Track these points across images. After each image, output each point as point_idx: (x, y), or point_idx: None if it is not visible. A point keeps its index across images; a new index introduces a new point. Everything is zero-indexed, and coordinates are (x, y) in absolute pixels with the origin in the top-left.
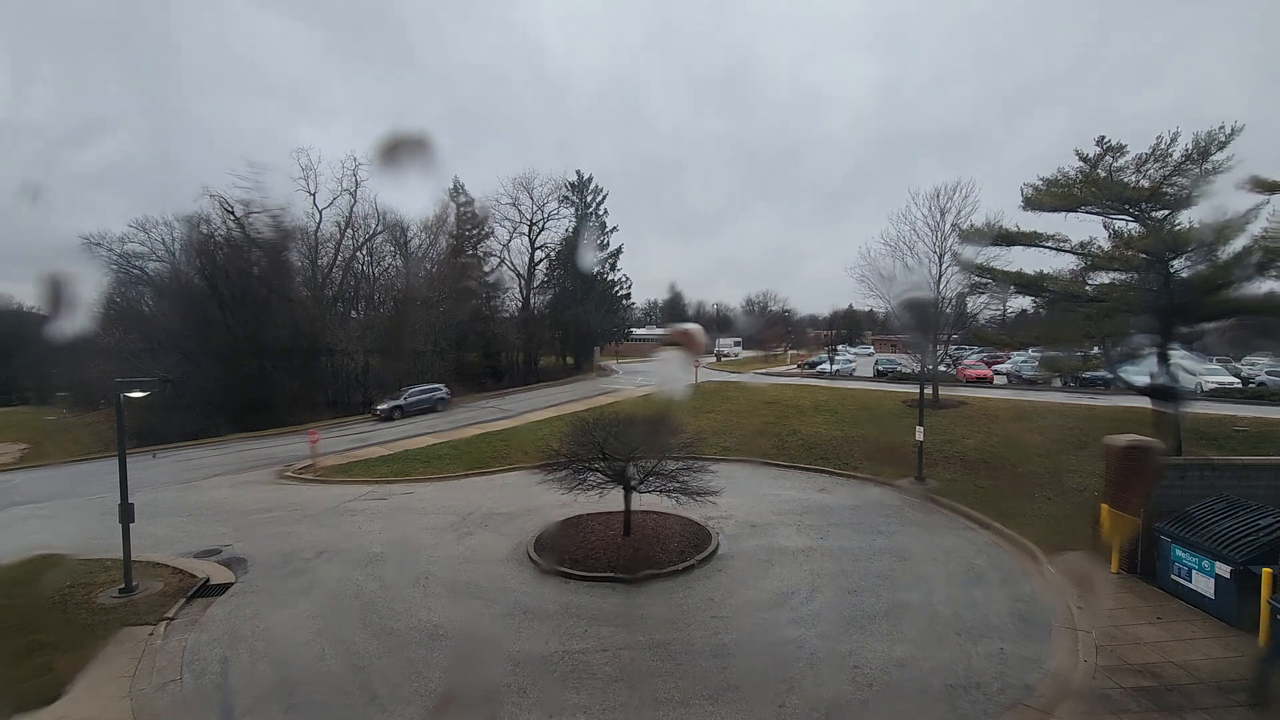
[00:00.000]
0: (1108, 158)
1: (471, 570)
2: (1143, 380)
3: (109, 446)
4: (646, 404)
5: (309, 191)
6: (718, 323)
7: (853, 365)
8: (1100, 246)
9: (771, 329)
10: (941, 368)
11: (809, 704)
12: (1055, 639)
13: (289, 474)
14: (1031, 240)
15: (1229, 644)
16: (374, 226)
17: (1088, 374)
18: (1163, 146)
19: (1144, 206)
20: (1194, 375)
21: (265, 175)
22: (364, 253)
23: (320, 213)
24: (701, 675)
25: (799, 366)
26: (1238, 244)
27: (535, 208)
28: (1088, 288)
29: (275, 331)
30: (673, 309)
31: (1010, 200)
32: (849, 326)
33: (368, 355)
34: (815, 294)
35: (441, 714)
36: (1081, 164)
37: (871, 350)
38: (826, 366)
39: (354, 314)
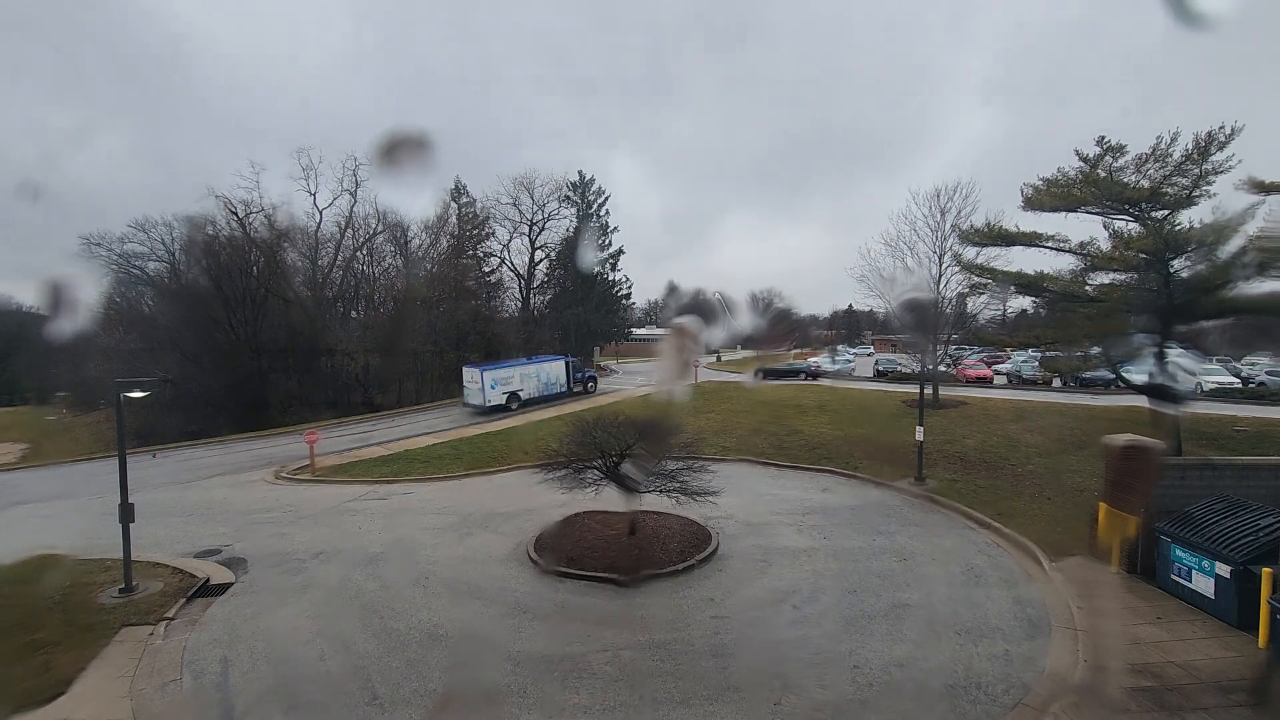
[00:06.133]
0: (1107, 158)
1: (471, 570)
2: (1142, 380)
3: (109, 446)
4: (646, 404)
5: (309, 191)
6: (725, 306)
7: (852, 365)
8: (1100, 247)
9: (777, 327)
10: (941, 368)
11: (811, 704)
12: (1055, 639)
13: (285, 475)
14: (1031, 240)
15: (1229, 644)
16: (374, 226)
17: (1088, 374)
18: (1163, 146)
19: (1144, 206)
20: (1194, 375)
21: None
22: (364, 253)
23: (320, 213)
24: (701, 675)
25: None
26: (1236, 244)
27: (536, 208)
28: (1088, 288)
29: (275, 331)
30: (675, 301)
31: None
32: (849, 326)
33: (368, 355)
34: (816, 294)
35: (441, 714)
36: (1081, 164)
37: (871, 350)
38: (829, 365)
39: (354, 314)
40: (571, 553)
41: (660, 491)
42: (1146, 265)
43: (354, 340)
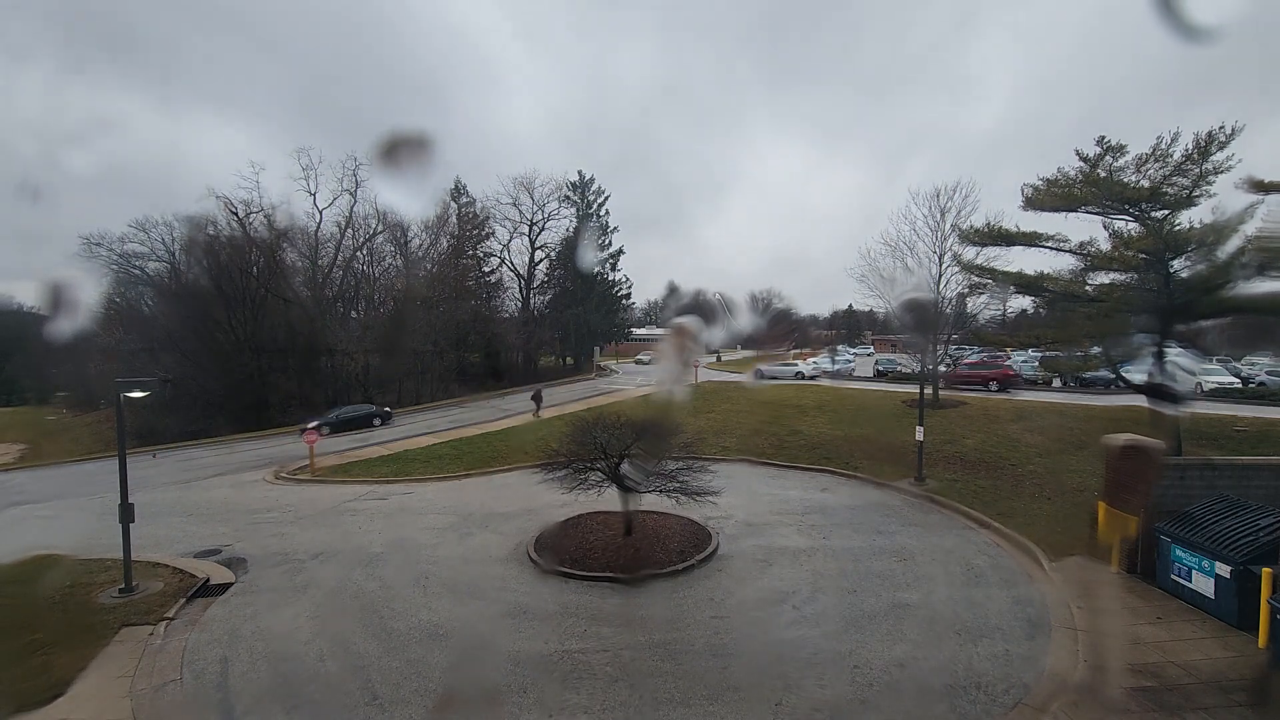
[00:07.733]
0: (1108, 157)
1: (471, 570)
2: (1142, 380)
3: (109, 446)
4: (647, 405)
5: (309, 191)
6: (725, 307)
7: (852, 365)
8: (1100, 247)
9: (777, 327)
10: (942, 368)
11: (810, 704)
12: (1055, 639)
13: (284, 475)
14: (1031, 240)
15: (1229, 644)
16: (374, 226)
17: (1088, 374)
18: (1163, 146)
19: (1144, 206)
20: (1194, 375)
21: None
22: (364, 253)
23: (320, 213)
24: (701, 675)
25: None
26: (1235, 244)
27: (536, 208)
28: (1088, 288)
29: (275, 331)
30: (674, 302)
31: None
32: (849, 326)
33: (368, 355)
34: (816, 293)
35: (441, 714)
36: (1081, 164)
37: (871, 350)
38: (829, 366)
39: (354, 314)
40: (572, 553)
41: (660, 491)
42: (1146, 265)
43: (354, 340)
